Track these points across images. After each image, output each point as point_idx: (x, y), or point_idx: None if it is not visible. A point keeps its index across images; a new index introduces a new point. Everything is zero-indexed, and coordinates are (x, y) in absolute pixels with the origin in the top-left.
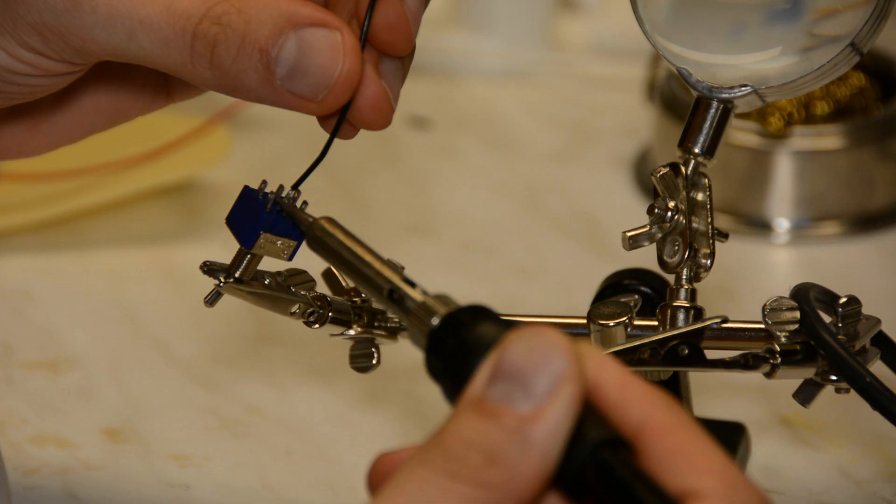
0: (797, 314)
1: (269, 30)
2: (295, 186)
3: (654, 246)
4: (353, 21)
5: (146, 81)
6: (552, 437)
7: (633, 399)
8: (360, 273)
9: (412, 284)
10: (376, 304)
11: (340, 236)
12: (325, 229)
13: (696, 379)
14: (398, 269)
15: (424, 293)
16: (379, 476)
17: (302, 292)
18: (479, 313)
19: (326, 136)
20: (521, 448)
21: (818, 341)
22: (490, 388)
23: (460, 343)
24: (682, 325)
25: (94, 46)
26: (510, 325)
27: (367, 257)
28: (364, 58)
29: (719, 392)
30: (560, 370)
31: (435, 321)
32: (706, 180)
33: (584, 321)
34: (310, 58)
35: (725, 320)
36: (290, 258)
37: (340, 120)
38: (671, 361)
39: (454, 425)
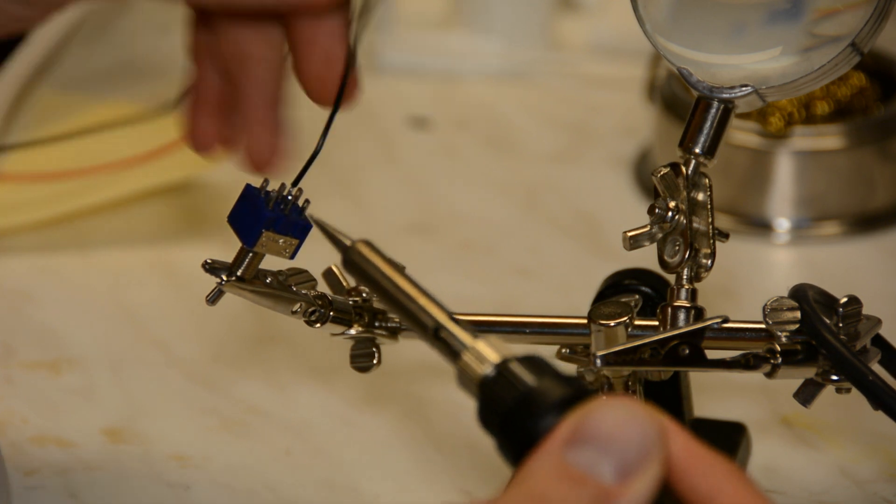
0: (798, 314)
1: None
2: (295, 183)
3: (654, 246)
4: None
5: None
6: None
7: (702, 469)
8: (401, 306)
9: (458, 323)
10: (377, 304)
11: (379, 263)
12: (362, 255)
13: (697, 379)
14: (443, 306)
15: (474, 334)
16: None
17: (303, 291)
18: (537, 365)
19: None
20: None
21: (819, 340)
22: (573, 452)
23: (522, 399)
24: (683, 325)
25: None
26: (572, 382)
27: (410, 289)
28: None
29: (720, 392)
30: (650, 446)
31: (489, 370)
32: (707, 180)
33: (585, 321)
34: None
35: (726, 320)
36: (292, 257)
37: (333, 114)
38: (672, 361)
39: (533, 484)
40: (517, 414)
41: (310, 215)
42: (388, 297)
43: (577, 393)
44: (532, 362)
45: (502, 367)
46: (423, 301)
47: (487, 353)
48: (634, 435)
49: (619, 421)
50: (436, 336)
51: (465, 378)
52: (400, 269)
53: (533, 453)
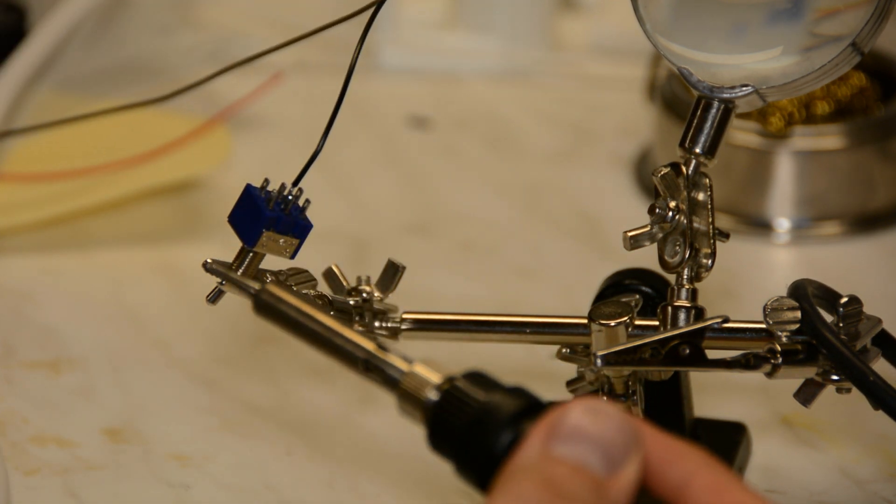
0: (798, 314)
1: None
2: (295, 183)
3: (654, 246)
4: None
5: None
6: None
7: (672, 458)
8: (327, 341)
9: (388, 350)
10: (378, 304)
11: (294, 301)
12: (275, 295)
13: (697, 379)
14: (369, 336)
15: (406, 359)
16: None
17: (304, 291)
18: (483, 380)
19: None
20: None
21: (820, 340)
22: (560, 447)
23: (477, 418)
24: (683, 325)
25: None
26: (521, 392)
27: (332, 323)
28: None
29: (720, 392)
30: (630, 439)
31: (433, 393)
32: (707, 180)
33: (585, 321)
34: None
35: (726, 320)
36: (293, 256)
37: (334, 114)
38: (672, 361)
39: (535, 475)
40: (474, 433)
41: (211, 261)
42: (311, 334)
43: (529, 404)
44: (476, 378)
45: (448, 388)
46: (348, 333)
47: (428, 375)
48: (614, 429)
49: (597, 418)
50: (368, 367)
51: (408, 405)
52: (317, 303)
53: (514, 454)
